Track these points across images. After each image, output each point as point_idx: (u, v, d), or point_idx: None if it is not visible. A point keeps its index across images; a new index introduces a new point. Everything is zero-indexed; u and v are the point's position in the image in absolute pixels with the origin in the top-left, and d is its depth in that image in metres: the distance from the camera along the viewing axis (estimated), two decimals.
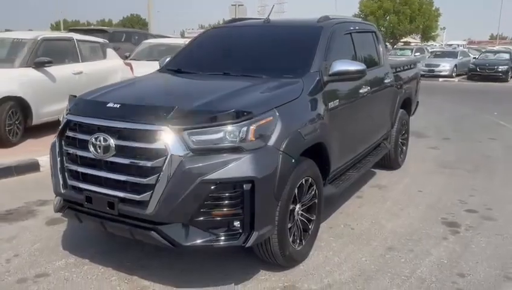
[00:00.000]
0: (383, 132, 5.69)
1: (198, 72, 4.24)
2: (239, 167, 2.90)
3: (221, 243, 2.97)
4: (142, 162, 2.95)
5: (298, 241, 3.52)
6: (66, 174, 3.31)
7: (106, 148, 3.03)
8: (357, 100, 4.53)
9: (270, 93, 3.41)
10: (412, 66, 6.93)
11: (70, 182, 3.28)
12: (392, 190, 5.56)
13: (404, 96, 6.27)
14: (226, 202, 2.92)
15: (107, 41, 9.52)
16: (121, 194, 3.02)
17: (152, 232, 2.97)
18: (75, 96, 3.66)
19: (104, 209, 3.08)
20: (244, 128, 2.95)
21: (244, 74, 3.98)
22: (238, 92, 3.37)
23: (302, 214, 3.55)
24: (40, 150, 6.51)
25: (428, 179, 6.00)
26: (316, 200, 3.70)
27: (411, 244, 4.00)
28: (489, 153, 7.60)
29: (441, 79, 23.36)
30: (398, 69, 6.16)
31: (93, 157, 3.12)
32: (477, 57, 26.54)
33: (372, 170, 6.07)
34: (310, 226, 3.67)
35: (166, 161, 2.86)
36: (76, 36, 8.47)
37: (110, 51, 9.17)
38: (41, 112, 7.36)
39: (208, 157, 2.91)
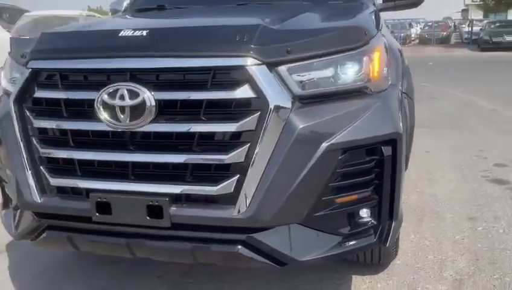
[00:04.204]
0: None
1: (196, 5, 2.87)
2: (374, 121, 1.76)
3: (352, 248, 1.81)
4: (215, 126, 1.64)
5: None
6: (42, 168, 1.83)
7: (138, 110, 1.65)
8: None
9: (356, 15, 2.28)
10: None
11: (56, 182, 1.81)
12: None
13: None
14: (356, 179, 1.77)
15: None
16: (175, 190, 1.68)
17: (239, 247, 1.70)
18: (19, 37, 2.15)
19: (140, 221, 1.71)
20: (366, 58, 1.80)
21: (268, 1, 2.76)
22: (312, 15, 2.17)
23: None
24: None
25: (420, 140, 5.35)
26: None
27: (488, 210, 3.25)
28: (445, 111, 7.41)
29: None
30: None
31: (108, 129, 1.71)
32: None
33: None
34: None
35: (268, 119, 1.60)
36: None
37: None
38: None
39: (326, 109, 1.72)
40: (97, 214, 1.74)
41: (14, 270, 2.62)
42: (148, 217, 1.69)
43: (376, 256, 2.30)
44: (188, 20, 2.34)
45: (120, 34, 1.75)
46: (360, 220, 1.85)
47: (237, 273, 2.46)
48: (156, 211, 1.68)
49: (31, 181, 1.83)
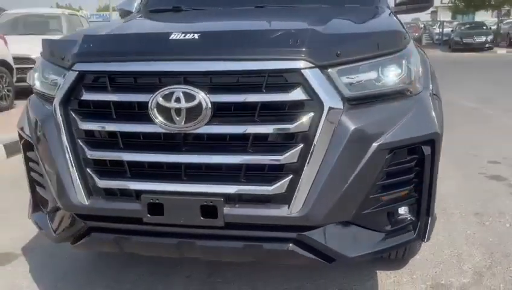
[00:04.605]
0: None
1: (212, 7, 2.89)
2: (415, 122, 1.84)
3: (394, 244, 1.89)
4: (270, 128, 1.69)
5: None
6: (89, 170, 1.83)
7: (194, 113, 1.68)
8: None
9: (387, 20, 2.37)
10: None
11: (104, 183, 1.82)
12: None
13: None
14: (400, 178, 1.85)
15: None
16: (229, 190, 1.72)
17: (290, 245, 1.75)
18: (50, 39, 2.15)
19: (193, 221, 1.74)
20: (405, 61, 1.88)
21: (288, 4, 2.81)
22: (345, 19, 2.23)
23: None
24: None
25: None
26: None
27: (492, 206, 3.40)
28: None
29: None
30: None
31: (161, 131, 1.73)
32: None
33: None
34: None
35: (321, 120, 1.66)
36: None
37: None
38: None
39: (373, 110, 1.79)
40: (148, 215, 1.76)
41: (37, 273, 2.59)
42: (202, 217, 1.72)
43: (401, 252, 2.39)
44: (225, 23, 2.36)
45: (171, 37, 1.77)
46: (399, 217, 1.93)
47: (266, 272, 2.50)
48: (210, 211, 1.71)
49: (77, 183, 1.83)
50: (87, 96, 1.82)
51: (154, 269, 2.56)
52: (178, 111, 1.68)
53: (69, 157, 1.83)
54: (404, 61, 1.87)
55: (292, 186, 1.69)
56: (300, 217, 1.69)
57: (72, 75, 1.84)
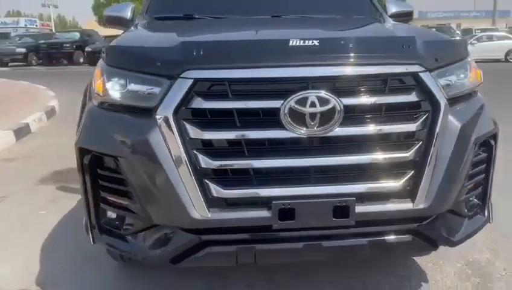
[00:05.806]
0: None
1: (228, 15, 2.88)
2: (485, 117, 2.11)
3: (477, 226, 2.14)
4: (395, 127, 1.81)
5: None
6: (208, 181, 1.75)
7: (327, 116, 1.72)
8: None
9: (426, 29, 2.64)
10: None
11: (229, 193, 1.75)
12: None
13: None
14: (479, 167, 2.11)
15: None
16: (361, 189, 1.79)
17: (409, 235, 1.89)
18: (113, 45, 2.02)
19: (324, 223, 1.78)
20: (470, 66, 2.15)
21: (304, 14, 2.94)
22: (402, 28, 2.45)
23: None
24: None
25: None
26: None
27: None
28: None
29: None
30: None
31: (291, 136, 1.74)
32: None
33: None
34: None
35: (439, 118, 1.83)
36: None
37: None
38: None
39: (461, 109, 2.00)
40: (279, 221, 1.75)
41: None
42: (333, 218, 1.77)
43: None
44: (306, 30, 2.38)
45: (291, 43, 1.79)
46: (471, 203, 2.18)
47: (320, 272, 2.58)
48: (342, 211, 1.77)
49: (196, 196, 1.75)
50: (202, 104, 1.74)
51: (208, 284, 2.47)
52: (313, 115, 1.71)
53: (186, 169, 1.73)
54: (469, 66, 2.14)
55: (415, 181, 1.83)
56: (424, 209, 1.84)
57: (183, 84, 1.74)
